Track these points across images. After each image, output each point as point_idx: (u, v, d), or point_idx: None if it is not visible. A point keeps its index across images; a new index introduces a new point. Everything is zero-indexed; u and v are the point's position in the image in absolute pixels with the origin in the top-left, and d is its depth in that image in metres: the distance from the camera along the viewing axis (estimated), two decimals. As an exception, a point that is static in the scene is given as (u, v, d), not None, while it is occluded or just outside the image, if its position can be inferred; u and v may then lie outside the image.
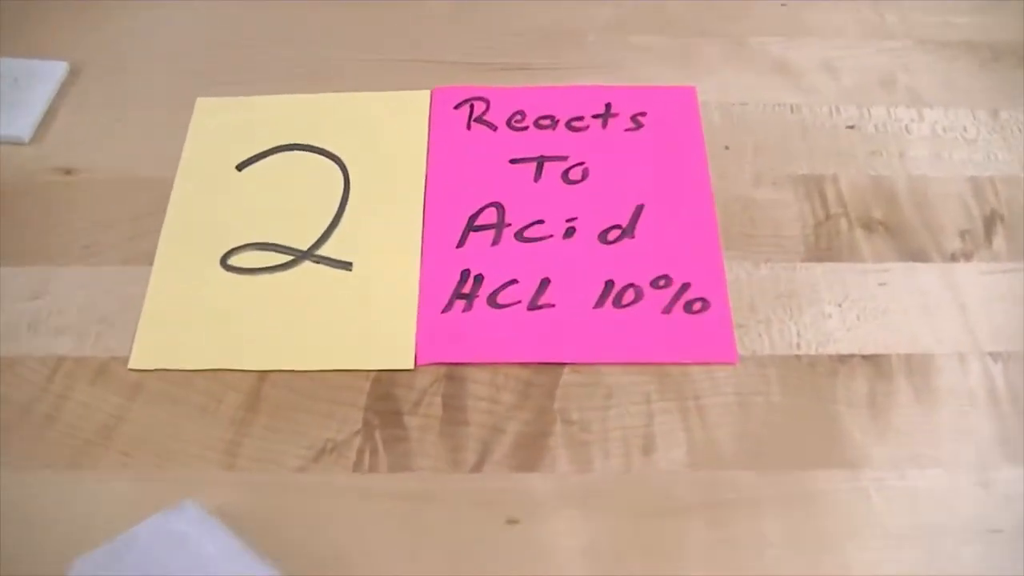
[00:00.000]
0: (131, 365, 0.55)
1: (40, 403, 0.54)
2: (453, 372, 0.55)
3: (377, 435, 0.53)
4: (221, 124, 0.65)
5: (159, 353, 0.55)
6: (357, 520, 0.50)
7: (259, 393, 0.54)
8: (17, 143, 0.65)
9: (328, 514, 0.51)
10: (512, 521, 0.50)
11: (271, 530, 0.50)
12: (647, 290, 0.56)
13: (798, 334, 0.56)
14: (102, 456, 0.52)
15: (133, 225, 0.61)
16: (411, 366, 0.55)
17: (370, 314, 0.56)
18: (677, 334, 0.55)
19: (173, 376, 0.55)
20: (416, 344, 0.55)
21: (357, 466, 0.52)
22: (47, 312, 0.58)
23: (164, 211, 0.61)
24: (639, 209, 0.60)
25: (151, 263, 0.59)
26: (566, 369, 0.55)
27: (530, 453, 0.52)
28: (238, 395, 0.54)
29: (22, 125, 0.65)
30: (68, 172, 0.64)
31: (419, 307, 0.56)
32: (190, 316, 0.57)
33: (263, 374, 0.55)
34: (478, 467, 0.52)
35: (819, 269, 0.58)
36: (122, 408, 0.54)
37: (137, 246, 0.60)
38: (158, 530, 0.47)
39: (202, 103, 0.66)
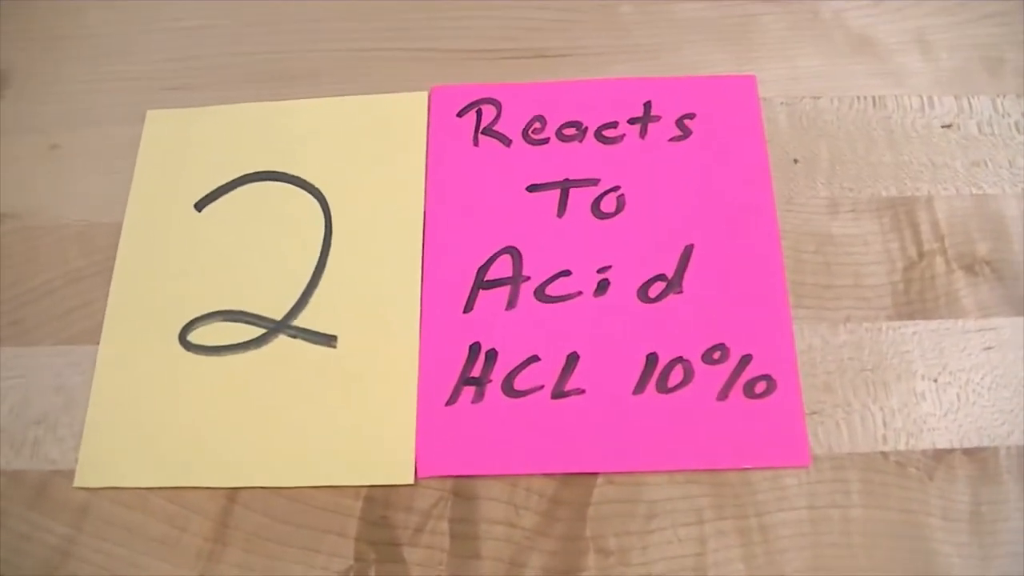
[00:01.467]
0: (77, 483, 0.46)
1: None
2: (462, 487, 0.45)
3: (372, 573, 0.43)
4: (176, 144, 0.54)
5: (109, 467, 0.46)
6: None
7: (229, 518, 0.45)
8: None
9: None
10: None
11: None
12: (698, 366, 0.45)
13: (884, 423, 0.45)
14: None
15: (73, 291, 0.50)
16: (411, 480, 0.45)
17: (360, 410, 0.47)
18: (736, 428, 0.44)
19: (127, 497, 0.46)
20: (416, 450, 0.44)
21: None
22: (-29, 410, 0.47)
23: (110, 270, 0.50)
24: (688, 251, 0.48)
25: (96, 341, 0.48)
26: (600, 479, 0.44)
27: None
28: (204, 521, 0.45)
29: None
30: (-3, 216, 0.52)
31: (419, 398, 0.46)
32: (145, 416, 0.48)
33: (233, 492, 0.46)
34: (487, 620, 0.42)
35: (910, 329, 0.47)
36: (68, 539, 0.45)
37: (80, 319, 0.49)
38: None
39: (153, 116, 0.54)
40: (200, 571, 0.44)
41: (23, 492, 0.46)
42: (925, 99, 0.53)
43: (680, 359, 0.46)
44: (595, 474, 0.45)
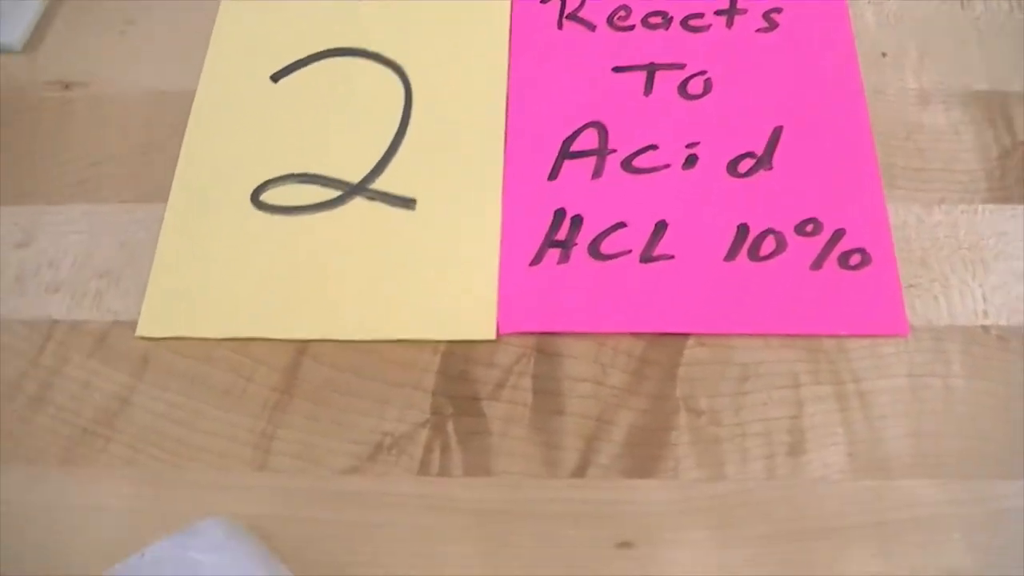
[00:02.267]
0: (139, 332, 0.44)
1: (28, 380, 0.42)
2: (545, 344, 0.42)
3: (450, 427, 0.41)
4: (254, 18, 0.53)
5: (173, 317, 0.43)
6: (423, 538, 0.40)
7: (298, 370, 0.42)
8: (6, 51, 0.53)
9: (386, 531, 0.40)
10: (624, 544, 0.39)
11: (312, 550, 0.39)
12: (791, 238, 0.44)
13: (984, 298, 0.43)
14: (102, 451, 0.41)
15: (143, 152, 0.49)
16: (492, 336, 0.42)
17: (439, 268, 0.45)
18: (831, 296, 0.42)
19: (190, 347, 0.43)
20: (498, 307, 0.42)
21: (424, 468, 0.40)
22: (36, 264, 0.46)
23: (181, 135, 0.48)
24: (777, 132, 0.46)
25: (164, 200, 0.46)
26: (690, 341, 0.42)
27: (646, 453, 0.41)
28: (272, 372, 0.42)
29: (11, 29, 0.53)
30: (66, 87, 0.52)
31: (501, 258, 0.44)
32: (212, 270, 0.46)
33: (303, 344, 0.43)
34: (579, 471, 0.40)
35: (1007, 212, 0.44)
36: (127, 388, 0.42)
37: (147, 179, 0.48)
38: (169, 560, 0.35)
39: (227, 7, 0.52)
40: (266, 421, 0.42)
41: (83, 341, 0.44)
42: (1014, 3, 0.52)
43: (771, 230, 0.45)
44: (685, 336, 0.43)
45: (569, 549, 0.39)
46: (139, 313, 0.45)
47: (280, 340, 0.44)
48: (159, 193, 0.48)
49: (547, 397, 0.42)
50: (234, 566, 0.36)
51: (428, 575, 0.39)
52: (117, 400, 0.43)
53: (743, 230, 0.45)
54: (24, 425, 0.42)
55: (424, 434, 0.41)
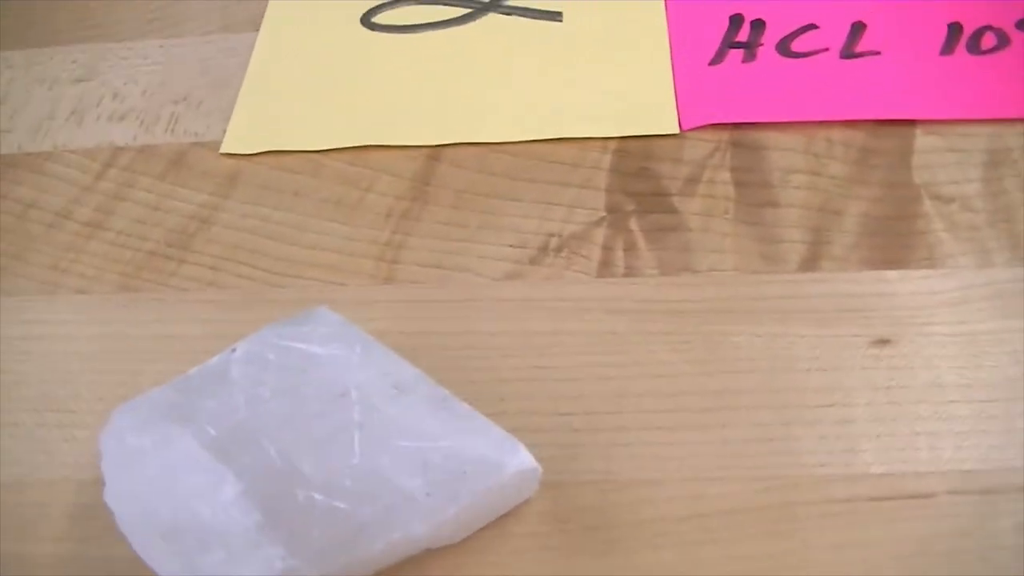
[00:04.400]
0: (224, 149, 0.34)
1: (81, 206, 0.33)
2: (742, 138, 0.33)
3: (633, 224, 0.31)
4: None
5: (269, 131, 0.34)
6: (611, 345, 0.30)
7: (431, 177, 0.32)
8: None
9: (563, 340, 0.30)
10: (881, 342, 0.29)
11: (466, 367, 0.29)
12: (1014, 33, 0.36)
13: None
14: (173, 274, 0.30)
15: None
16: (675, 130, 0.33)
17: (600, 69, 0.37)
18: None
19: (291, 160, 0.34)
20: (677, 102, 0.33)
21: (605, 269, 0.30)
22: (97, 96, 0.37)
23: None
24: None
25: (255, 29, 0.38)
26: (918, 130, 0.33)
27: (891, 243, 0.32)
28: (397, 181, 0.33)
29: None
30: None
31: (674, 59, 0.36)
32: (317, 82, 0.38)
33: (436, 151, 0.34)
34: (810, 264, 0.30)
35: None
36: (209, 207, 0.33)
37: (235, 11, 0.39)
38: (268, 353, 0.24)
39: None
40: (391, 231, 0.32)
41: (153, 164, 0.35)
42: None
43: (990, 27, 0.36)
44: (911, 124, 0.34)
45: (810, 350, 0.28)
46: (223, 133, 0.35)
47: (408, 147, 0.34)
48: (249, 23, 0.39)
49: (754, 190, 0.32)
50: (356, 360, 0.25)
51: (615, 385, 0.29)
52: (195, 220, 0.33)
53: (955, 27, 0.36)
54: (72, 253, 0.32)
55: (601, 233, 0.31)
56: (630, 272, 0.31)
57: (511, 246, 0.32)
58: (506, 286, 0.31)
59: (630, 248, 0.31)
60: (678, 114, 0.35)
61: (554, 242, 0.32)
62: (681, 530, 0.26)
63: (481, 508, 0.25)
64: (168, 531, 0.23)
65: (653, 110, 0.35)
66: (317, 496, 0.23)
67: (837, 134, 0.34)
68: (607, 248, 0.31)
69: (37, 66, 0.39)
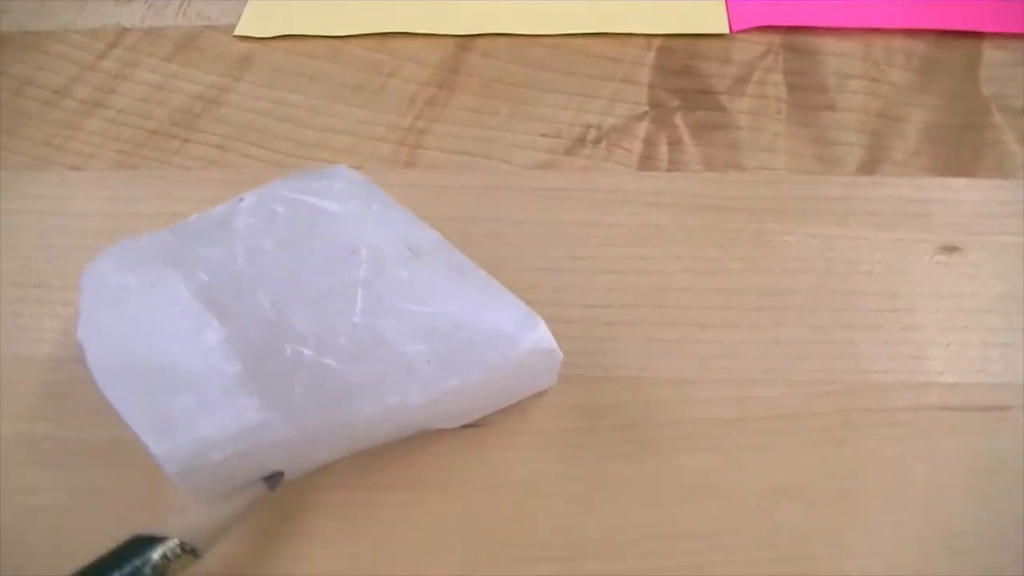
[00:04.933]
0: (239, 31, 0.31)
1: (81, 84, 0.30)
2: (795, 42, 0.31)
3: (679, 120, 0.28)
4: None
5: (287, 15, 0.31)
6: (650, 242, 0.27)
7: (460, 65, 0.30)
8: None
9: (595, 233, 0.27)
10: (949, 248, 0.26)
11: (488, 259, 0.25)
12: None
13: None
14: (176, 152, 0.28)
15: None
16: (724, 29, 0.30)
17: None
18: None
19: (310, 45, 0.31)
20: (727, 3, 0.30)
21: (647, 162, 0.27)
22: (104, -23, 0.34)
23: None
24: None
25: None
26: (985, 43, 0.30)
27: (957, 152, 0.29)
28: (423, 68, 0.30)
29: None
30: None
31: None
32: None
33: (466, 40, 0.31)
34: (870, 167, 0.27)
35: None
36: (218, 88, 0.30)
37: None
38: (278, 206, 0.21)
39: None
40: (414, 117, 0.29)
41: (161, 45, 0.33)
42: None
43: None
44: (978, 37, 0.31)
45: (871, 253, 0.26)
46: (239, 18, 0.32)
47: (435, 35, 0.31)
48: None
49: (809, 92, 0.30)
50: (372, 219, 0.22)
51: (655, 276, 0.26)
52: (203, 101, 0.30)
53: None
54: (69, 130, 0.30)
55: (643, 127, 0.29)
56: (674, 167, 0.28)
57: (544, 136, 0.29)
58: (538, 175, 0.28)
59: (674, 143, 0.29)
60: (727, 14, 0.31)
61: (592, 133, 0.29)
62: (723, 433, 0.23)
63: (489, 387, 0.22)
64: (139, 371, 0.20)
65: (701, 8, 0.32)
66: (306, 351, 0.21)
67: (897, 43, 0.32)
68: (649, 142, 0.29)
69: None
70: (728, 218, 0.27)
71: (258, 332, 0.21)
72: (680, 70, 0.31)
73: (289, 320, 0.21)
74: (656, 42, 0.31)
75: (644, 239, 0.26)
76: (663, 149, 0.28)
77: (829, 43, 0.31)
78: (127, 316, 0.21)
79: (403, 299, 0.22)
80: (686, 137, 0.29)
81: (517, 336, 0.21)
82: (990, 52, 0.31)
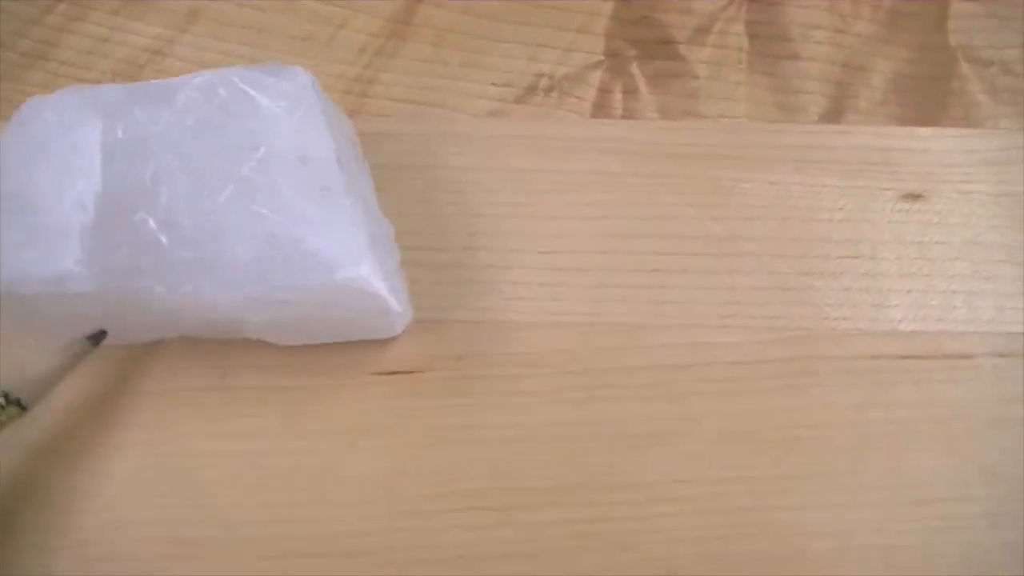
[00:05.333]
0: None
1: (21, 39, 0.30)
2: (759, -5, 0.29)
3: (634, 69, 0.27)
4: None
5: None
6: (602, 188, 0.26)
7: (412, 16, 0.29)
8: None
9: (544, 179, 0.27)
10: (912, 196, 0.25)
11: (432, 205, 0.26)
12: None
13: None
14: None
15: None
16: None
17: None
18: None
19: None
20: None
21: (601, 110, 0.26)
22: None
23: None
24: None
25: None
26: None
27: (923, 101, 0.28)
28: (373, 20, 0.29)
29: None
30: None
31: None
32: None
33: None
34: (833, 116, 0.26)
35: None
36: (164, 40, 0.30)
37: None
38: (215, 89, 0.20)
39: None
40: (362, 67, 0.28)
41: (106, 1, 0.31)
42: None
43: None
44: (949, -11, 0.30)
45: (832, 200, 0.25)
46: None
47: None
48: None
49: (771, 42, 0.29)
50: (289, 123, 0.21)
51: (617, 230, 0.25)
52: (147, 52, 0.30)
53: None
54: (7, 82, 0.28)
55: (597, 76, 0.28)
56: (629, 115, 0.27)
57: (495, 84, 0.28)
58: (487, 123, 0.27)
59: (630, 92, 0.28)
60: (690, -34, 0.30)
61: (544, 82, 0.28)
62: (676, 379, 0.22)
63: (305, 311, 0.22)
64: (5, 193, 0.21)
65: (662, -40, 0.31)
66: (151, 223, 0.21)
67: (865, -3, 0.30)
68: (604, 91, 0.28)
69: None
70: (684, 165, 0.26)
71: (128, 198, 0.21)
72: (638, 20, 0.30)
73: (157, 192, 0.21)
74: (613, -5, 0.30)
75: (595, 185, 0.25)
76: (618, 98, 0.27)
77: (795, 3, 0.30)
78: (28, 141, 0.22)
79: (261, 201, 0.21)
80: (642, 86, 0.28)
81: (335, 267, 0.21)
82: (958, 4, 0.30)
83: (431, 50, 0.29)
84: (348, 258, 0.21)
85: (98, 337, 0.22)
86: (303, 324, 0.22)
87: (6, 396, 0.20)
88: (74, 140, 0.22)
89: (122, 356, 0.23)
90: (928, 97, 0.28)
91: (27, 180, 0.21)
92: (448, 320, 0.23)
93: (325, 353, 0.23)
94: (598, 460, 0.21)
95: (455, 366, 0.22)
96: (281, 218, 0.21)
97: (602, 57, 0.29)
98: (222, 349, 0.23)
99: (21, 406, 0.20)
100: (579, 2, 0.30)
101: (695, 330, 0.23)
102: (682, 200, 0.25)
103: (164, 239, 0.21)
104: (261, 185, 0.21)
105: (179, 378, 0.23)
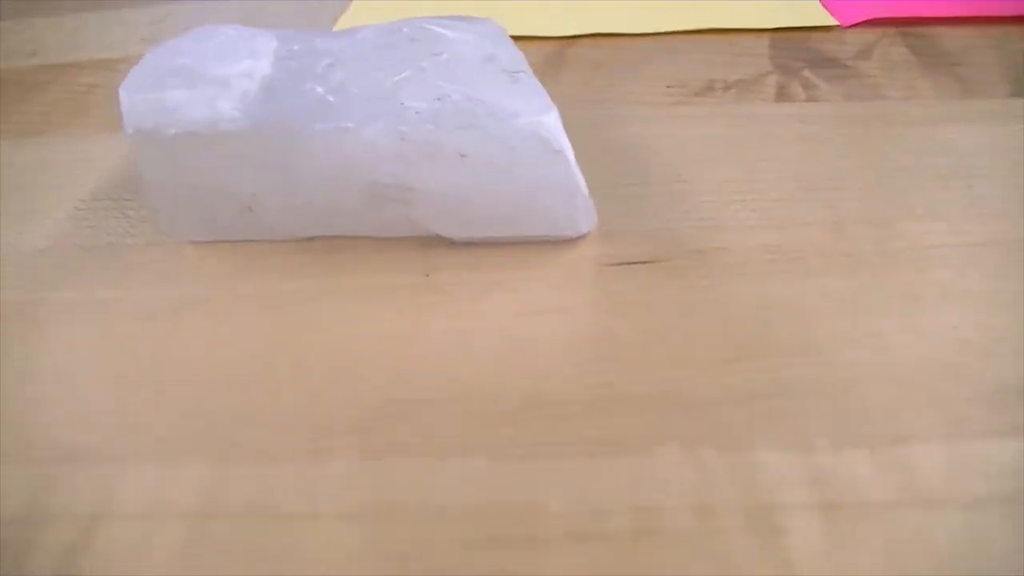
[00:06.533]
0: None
1: None
2: (909, 32, 0.30)
3: (807, 73, 0.27)
4: None
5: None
6: (785, 149, 0.25)
7: (562, 59, 0.29)
8: None
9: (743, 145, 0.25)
10: None
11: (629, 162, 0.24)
12: None
13: None
14: None
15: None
16: (831, 23, 0.30)
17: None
18: None
19: None
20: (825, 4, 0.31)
21: (782, 97, 0.25)
22: None
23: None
24: None
25: None
26: None
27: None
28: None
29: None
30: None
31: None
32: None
33: (569, 41, 0.30)
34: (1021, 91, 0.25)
35: None
36: None
37: None
38: (411, 26, 0.23)
39: None
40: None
41: None
42: None
43: None
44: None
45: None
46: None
47: (536, 37, 0.31)
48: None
49: (938, 57, 0.29)
50: (471, 39, 0.22)
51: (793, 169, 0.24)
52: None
53: None
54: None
55: (772, 79, 0.29)
56: (813, 99, 0.26)
57: (671, 87, 0.27)
58: (674, 108, 0.26)
59: (809, 86, 0.27)
60: (829, 11, 0.31)
61: (719, 84, 0.27)
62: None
63: (489, 175, 0.19)
64: (169, 67, 0.20)
65: (800, 7, 0.32)
66: (319, 89, 0.20)
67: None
68: (781, 86, 0.27)
69: None
70: (868, 133, 0.25)
71: (297, 75, 0.21)
72: (798, 48, 0.30)
73: (330, 75, 0.20)
74: (765, 35, 0.31)
75: (791, 147, 0.24)
76: (798, 91, 0.27)
77: (945, 32, 0.31)
78: (205, 40, 0.21)
79: (444, 79, 0.20)
80: (820, 83, 0.27)
81: (518, 114, 0.19)
82: None
83: (590, 72, 0.29)
84: (532, 109, 0.19)
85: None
86: (482, 201, 0.20)
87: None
88: (252, 47, 0.21)
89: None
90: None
91: (200, 57, 0.20)
92: (633, 230, 0.21)
93: (536, 247, 0.20)
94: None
95: (666, 260, 0.20)
96: (463, 87, 0.20)
97: (771, 68, 0.28)
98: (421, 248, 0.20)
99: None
100: (734, 38, 0.30)
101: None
102: (896, 149, 0.24)
103: (332, 99, 0.20)
104: (442, 69, 0.20)
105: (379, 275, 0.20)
